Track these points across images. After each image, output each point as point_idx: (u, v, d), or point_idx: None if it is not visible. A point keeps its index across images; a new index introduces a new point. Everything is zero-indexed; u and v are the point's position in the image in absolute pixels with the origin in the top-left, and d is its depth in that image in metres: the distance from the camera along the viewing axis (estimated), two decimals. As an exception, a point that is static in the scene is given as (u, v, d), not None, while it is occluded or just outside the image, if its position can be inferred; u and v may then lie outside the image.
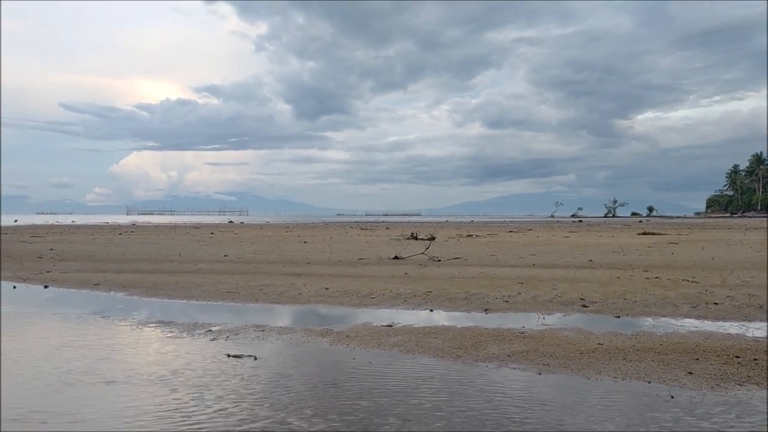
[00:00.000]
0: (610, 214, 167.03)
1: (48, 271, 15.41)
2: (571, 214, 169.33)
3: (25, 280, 13.82)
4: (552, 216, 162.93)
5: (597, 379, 5.76)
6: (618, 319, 8.86)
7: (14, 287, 12.84)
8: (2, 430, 4.58)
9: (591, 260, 17.40)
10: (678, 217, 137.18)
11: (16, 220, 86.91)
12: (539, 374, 5.94)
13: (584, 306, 9.78)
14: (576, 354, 6.68)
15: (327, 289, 11.78)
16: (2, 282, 13.69)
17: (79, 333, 8.11)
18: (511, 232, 41.84)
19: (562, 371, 6.04)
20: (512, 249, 22.85)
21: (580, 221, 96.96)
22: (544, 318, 8.90)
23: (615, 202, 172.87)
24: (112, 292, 12.00)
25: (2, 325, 8.71)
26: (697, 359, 6.44)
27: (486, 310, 9.61)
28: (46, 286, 12.87)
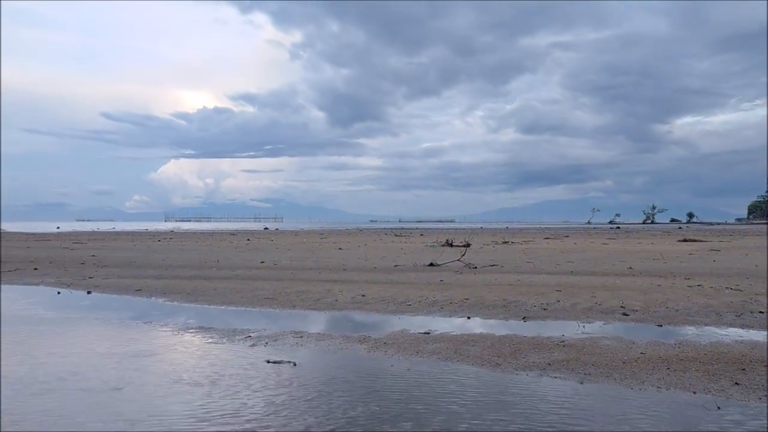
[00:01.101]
0: (649, 221, 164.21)
1: (90, 277, 15.75)
2: (608, 220, 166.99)
3: (68, 286, 14.15)
4: (588, 222, 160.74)
5: (640, 389, 5.66)
6: (660, 327, 8.70)
7: (58, 293, 13.14)
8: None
9: (630, 268, 17.12)
10: (719, 224, 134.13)
11: (58, 227, 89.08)
12: (581, 384, 5.86)
13: (625, 314, 9.62)
14: (618, 363, 6.58)
15: (363, 295, 11.80)
16: (47, 287, 14.03)
17: (123, 338, 8.26)
18: (547, 238, 41.40)
19: (604, 381, 5.95)
20: (549, 256, 22.61)
21: (618, 228, 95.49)
22: (584, 326, 8.78)
23: (653, 208, 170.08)
24: (153, 298, 12.21)
25: (50, 330, 8.93)
26: (744, 369, 6.28)
27: (524, 318, 9.52)
28: (89, 292, 13.15)
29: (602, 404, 5.24)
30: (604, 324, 8.97)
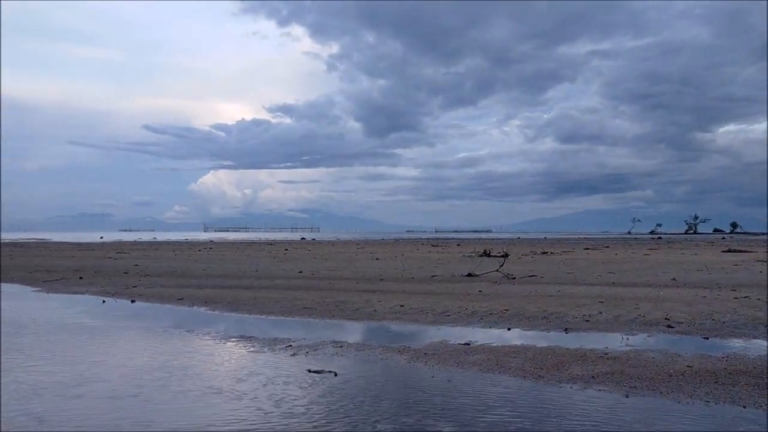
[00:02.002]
0: (691, 231, 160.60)
1: (134, 286, 16.06)
2: (649, 230, 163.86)
3: (113, 295, 14.45)
4: (629, 233, 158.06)
5: (688, 403, 5.53)
6: (706, 340, 8.49)
7: (103, 301, 13.44)
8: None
9: (674, 279, 16.76)
10: (763, 234, 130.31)
11: (101, 237, 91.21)
12: (626, 397, 5.75)
13: (669, 326, 9.42)
14: (664, 376, 6.44)
15: (402, 306, 11.79)
16: (92, 296, 14.36)
17: (165, 347, 8.41)
18: (587, 249, 40.81)
19: (650, 394, 5.83)
20: (590, 267, 22.28)
21: (660, 238, 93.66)
22: (627, 339, 8.62)
23: (696, 218, 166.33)
24: (194, 307, 12.39)
25: (101, 337, 9.14)
26: (797, 385, 6.09)
27: (566, 329, 9.39)
28: (133, 301, 13.42)
29: (649, 418, 5.13)
30: (648, 336, 8.80)
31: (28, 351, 8.04)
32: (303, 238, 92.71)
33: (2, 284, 17.51)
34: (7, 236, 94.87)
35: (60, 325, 10.16)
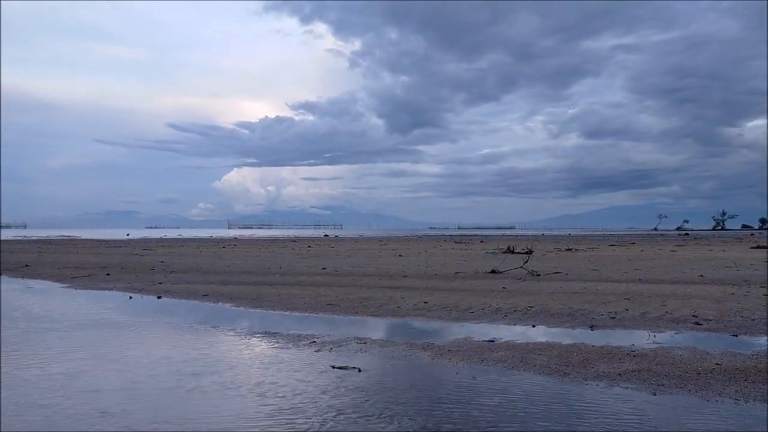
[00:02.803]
0: (719, 227, 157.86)
1: (160, 283, 16.25)
2: (675, 227, 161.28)
3: (139, 291, 14.64)
4: (655, 229, 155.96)
5: (717, 401, 5.44)
6: (735, 337, 8.36)
7: (130, 297, 13.62)
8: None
9: (702, 275, 16.52)
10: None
11: (128, 234, 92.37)
12: (654, 395, 5.68)
13: (697, 324, 9.29)
14: (692, 374, 6.35)
15: (425, 302, 11.77)
16: (119, 292, 14.56)
17: (191, 343, 8.50)
18: (612, 245, 40.41)
19: (678, 392, 5.75)
20: (615, 263, 22.05)
21: (686, 234, 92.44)
22: (654, 336, 8.52)
23: (724, 214, 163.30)
24: (219, 303, 12.50)
25: (130, 334, 9.27)
26: (831, 384, 5.96)
27: (592, 326, 9.31)
28: (159, 297, 13.57)
29: (677, 416, 5.06)
30: (676, 333, 8.69)
31: (59, 346, 8.18)
32: (326, 235, 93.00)
33: (32, 281, 17.83)
34: (36, 233, 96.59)
35: (88, 322, 10.32)
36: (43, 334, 9.09)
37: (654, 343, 8.04)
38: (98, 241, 57.56)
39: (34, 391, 5.92)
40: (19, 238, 68.69)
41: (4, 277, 18.98)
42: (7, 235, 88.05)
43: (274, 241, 59.69)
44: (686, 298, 11.81)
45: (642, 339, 8.31)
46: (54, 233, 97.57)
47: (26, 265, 22.84)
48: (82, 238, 70.52)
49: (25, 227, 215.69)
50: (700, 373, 6.38)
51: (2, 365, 6.96)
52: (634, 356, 7.19)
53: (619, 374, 6.41)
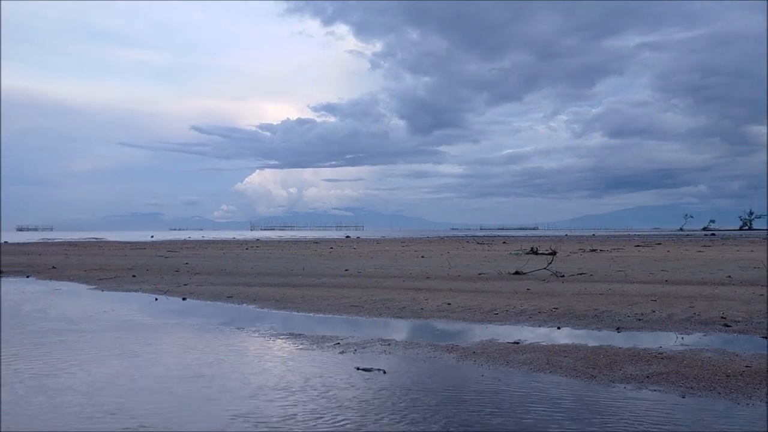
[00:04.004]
0: (746, 227, 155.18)
1: (185, 284, 16.40)
2: (702, 227, 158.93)
3: (165, 293, 14.79)
4: (681, 229, 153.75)
5: (748, 404, 5.35)
6: (766, 339, 8.21)
7: (156, 299, 13.77)
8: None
9: (729, 276, 16.26)
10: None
11: (152, 236, 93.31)
12: (683, 397, 5.61)
13: (726, 325, 9.15)
14: (722, 377, 6.25)
15: (449, 304, 11.74)
16: (145, 294, 14.72)
17: (216, 344, 8.57)
18: (638, 246, 39.93)
19: (707, 395, 5.67)
20: (641, 264, 21.79)
21: (713, 234, 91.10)
22: (682, 338, 8.40)
23: (751, 213, 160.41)
24: (244, 305, 12.58)
25: (157, 336, 9.38)
26: None
27: (618, 328, 9.21)
28: (184, 299, 13.70)
29: (708, 419, 4.99)
30: (704, 335, 8.56)
31: (88, 347, 8.31)
32: (347, 237, 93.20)
33: (60, 283, 18.12)
34: (62, 236, 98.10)
35: (115, 323, 10.45)
36: (71, 335, 9.22)
37: (682, 345, 7.93)
38: (123, 243, 58.25)
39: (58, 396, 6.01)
40: (45, 240, 69.83)
41: (32, 279, 19.30)
42: (34, 237, 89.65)
43: (296, 242, 59.95)
44: (714, 299, 11.63)
45: (670, 341, 8.21)
46: (80, 235, 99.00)
47: (53, 267, 23.20)
48: (108, 240, 71.42)
49: (51, 230, 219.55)
50: (729, 376, 6.28)
51: (44, 368, 7.10)
52: (662, 358, 7.10)
53: (647, 377, 6.33)
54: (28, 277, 20.00)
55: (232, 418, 5.15)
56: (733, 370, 6.51)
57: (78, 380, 6.46)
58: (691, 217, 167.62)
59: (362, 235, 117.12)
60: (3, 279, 19.43)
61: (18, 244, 55.79)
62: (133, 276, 19.12)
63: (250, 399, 5.73)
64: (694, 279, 15.83)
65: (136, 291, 15.29)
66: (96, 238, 79.75)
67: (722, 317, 9.71)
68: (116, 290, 15.65)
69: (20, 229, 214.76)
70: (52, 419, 5.15)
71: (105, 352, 8.00)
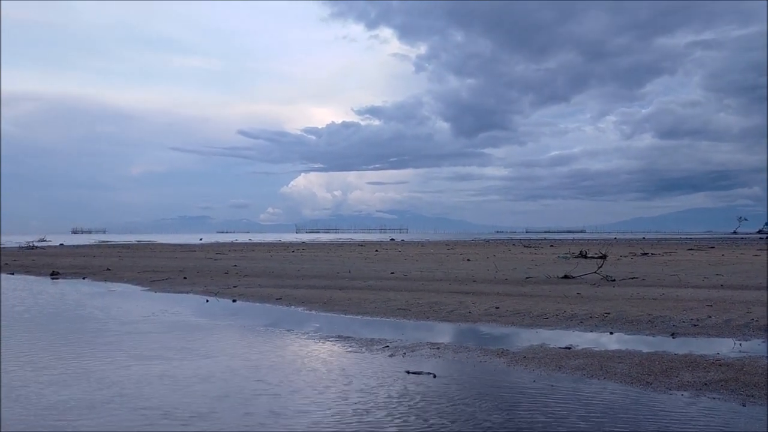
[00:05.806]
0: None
1: (235, 286, 16.66)
2: (757, 230, 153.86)
3: (215, 295, 15.06)
4: (734, 232, 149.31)
5: (814, 415, 5.16)
6: (831, 348, 7.91)
7: (206, 301, 14.04)
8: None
9: (789, 281, 15.70)
10: None
11: (201, 239, 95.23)
12: (743, 406, 5.44)
13: (788, 332, 8.83)
14: (785, 386, 6.04)
15: (497, 308, 11.64)
16: (196, 296, 15.03)
17: (267, 345, 8.70)
18: (690, 250, 38.91)
19: (770, 404, 5.48)
20: (695, 268, 21.23)
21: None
22: (740, 344, 8.15)
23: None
24: (292, 307, 12.73)
25: (213, 337, 9.57)
26: None
27: (673, 334, 8.98)
28: (234, 300, 13.93)
29: (772, 430, 4.83)
30: (763, 342, 8.29)
31: (147, 346, 8.53)
32: (392, 239, 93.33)
33: (114, 284, 18.64)
34: (115, 238, 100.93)
35: (170, 323, 10.71)
36: (131, 335, 9.48)
37: (740, 351, 7.70)
38: (174, 245, 59.57)
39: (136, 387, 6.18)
40: (99, 243, 71.91)
41: (88, 280, 19.90)
42: (88, 240, 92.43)
43: (341, 245, 60.30)
44: (774, 305, 11.24)
45: (727, 347, 7.97)
46: (132, 238, 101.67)
47: (108, 269, 23.86)
48: (159, 242, 73.13)
49: (104, 232, 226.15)
50: (793, 385, 6.06)
51: (109, 363, 7.32)
52: (720, 365, 6.90)
53: (705, 384, 6.17)
54: (84, 278, 20.64)
55: (276, 421, 5.21)
56: (796, 378, 6.29)
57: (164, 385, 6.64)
58: (746, 219, 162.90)
59: (406, 237, 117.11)
60: (61, 280, 20.21)
61: (73, 246, 57.67)
62: (184, 278, 19.52)
63: (296, 401, 5.80)
64: (750, 284, 15.33)
65: (187, 293, 15.62)
66: (148, 241, 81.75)
67: (783, 324, 9.39)
68: (168, 292, 16.01)
69: (74, 232, 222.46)
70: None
71: (172, 352, 8.19)
